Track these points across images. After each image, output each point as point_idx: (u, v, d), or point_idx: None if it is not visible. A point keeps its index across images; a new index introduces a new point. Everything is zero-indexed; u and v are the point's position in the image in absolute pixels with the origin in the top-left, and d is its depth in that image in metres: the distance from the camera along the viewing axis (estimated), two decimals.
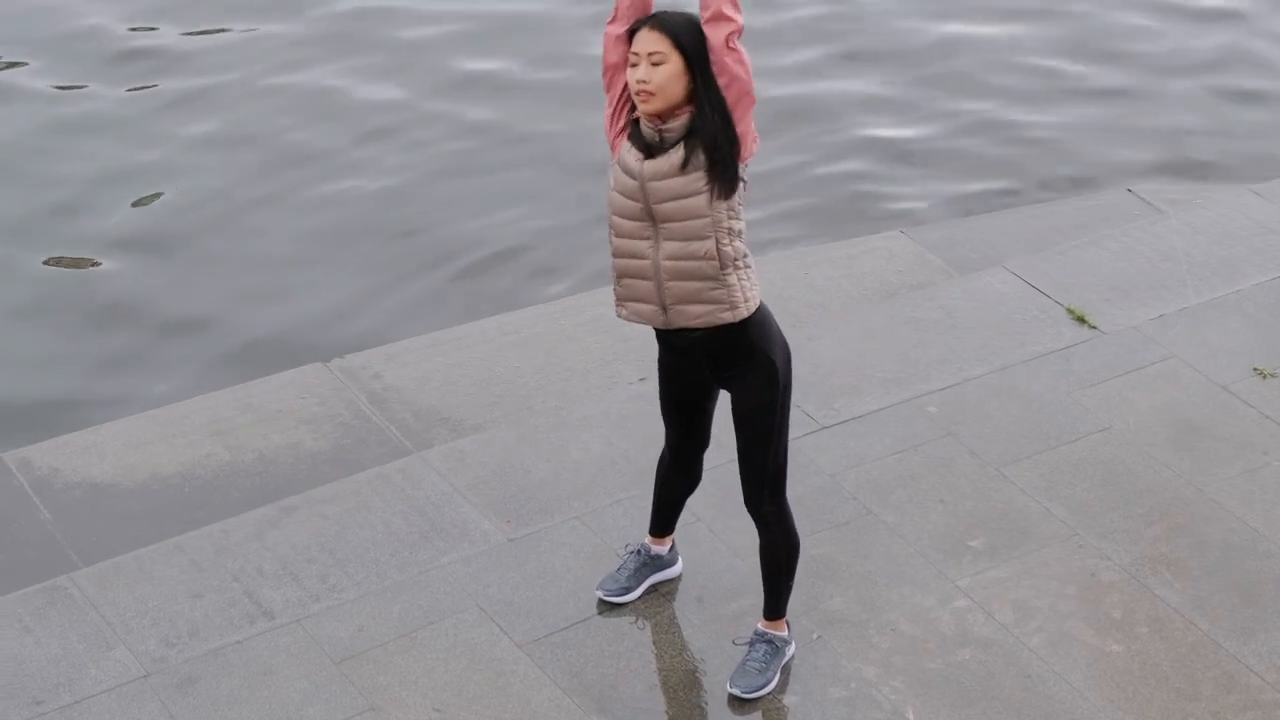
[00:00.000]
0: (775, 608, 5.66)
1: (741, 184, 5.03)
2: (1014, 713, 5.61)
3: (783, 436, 5.36)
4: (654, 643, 5.83)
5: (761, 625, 5.69)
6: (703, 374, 5.36)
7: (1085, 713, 5.61)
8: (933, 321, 7.48)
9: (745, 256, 5.11)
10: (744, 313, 5.12)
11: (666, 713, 5.59)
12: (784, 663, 5.69)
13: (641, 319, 5.21)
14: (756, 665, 5.62)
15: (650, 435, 6.64)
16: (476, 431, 6.78)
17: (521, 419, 6.86)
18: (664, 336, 5.32)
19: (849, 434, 6.75)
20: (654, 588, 5.99)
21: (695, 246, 5.02)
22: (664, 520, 5.91)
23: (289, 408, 6.93)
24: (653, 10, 5.03)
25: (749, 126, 4.98)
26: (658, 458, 5.77)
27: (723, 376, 5.32)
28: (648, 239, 5.07)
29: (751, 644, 5.66)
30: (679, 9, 5.03)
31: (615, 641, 5.82)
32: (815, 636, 5.85)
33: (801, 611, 5.89)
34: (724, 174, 4.95)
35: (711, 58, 4.91)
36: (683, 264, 5.05)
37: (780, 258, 8.02)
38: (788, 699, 5.64)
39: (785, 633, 5.69)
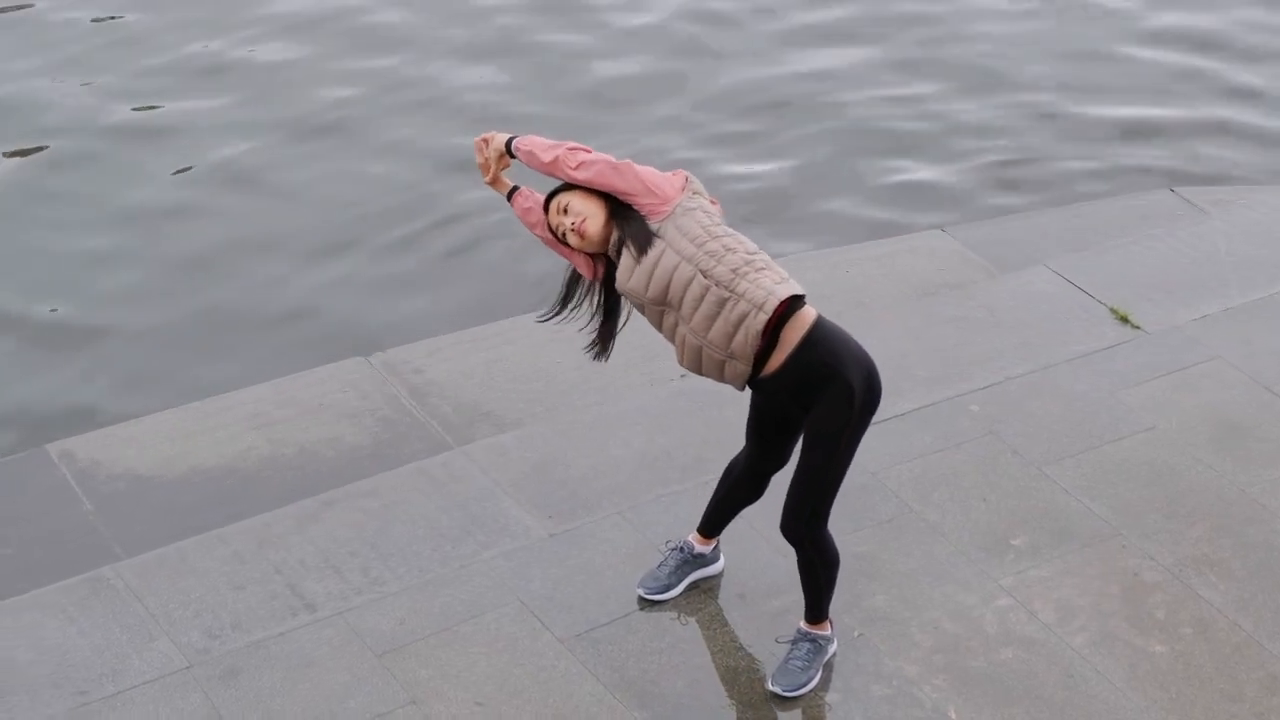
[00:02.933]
0: (816, 612, 5.66)
1: (703, 213, 5.25)
2: (1056, 712, 5.59)
3: (841, 467, 5.36)
4: (696, 639, 5.82)
5: (804, 625, 5.68)
6: (790, 410, 5.41)
7: (1128, 713, 5.59)
8: (974, 320, 7.46)
9: (749, 263, 5.21)
10: (774, 302, 5.16)
11: (707, 709, 5.58)
12: (825, 660, 5.69)
13: (742, 378, 5.31)
14: (799, 663, 5.61)
15: (691, 431, 6.65)
16: (517, 426, 6.78)
17: (562, 414, 6.86)
18: (751, 382, 5.38)
19: (891, 432, 6.73)
20: (695, 584, 5.99)
21: (694, 290, 5.20)
22: (716, 523, 5.93)
23: (330, 401, 6.94)
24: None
25: (643, 182, 5.28)
26: (708, 456, 5.76)
27: (808, 409, 5.33)
28: (674, 323, 5.29)
29: (794, 642, 5.66)
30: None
31: (657, 637, 5.81)
32: (857, 634, 5.84)
33: (843, 609, 5.88)
34: (639, 237, 5.24)
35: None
36: (700, 311, 5.20)
37: (821, 256, 8.01)
38: (829, 696, 5.63)
39: (828, 631, 5.69)
